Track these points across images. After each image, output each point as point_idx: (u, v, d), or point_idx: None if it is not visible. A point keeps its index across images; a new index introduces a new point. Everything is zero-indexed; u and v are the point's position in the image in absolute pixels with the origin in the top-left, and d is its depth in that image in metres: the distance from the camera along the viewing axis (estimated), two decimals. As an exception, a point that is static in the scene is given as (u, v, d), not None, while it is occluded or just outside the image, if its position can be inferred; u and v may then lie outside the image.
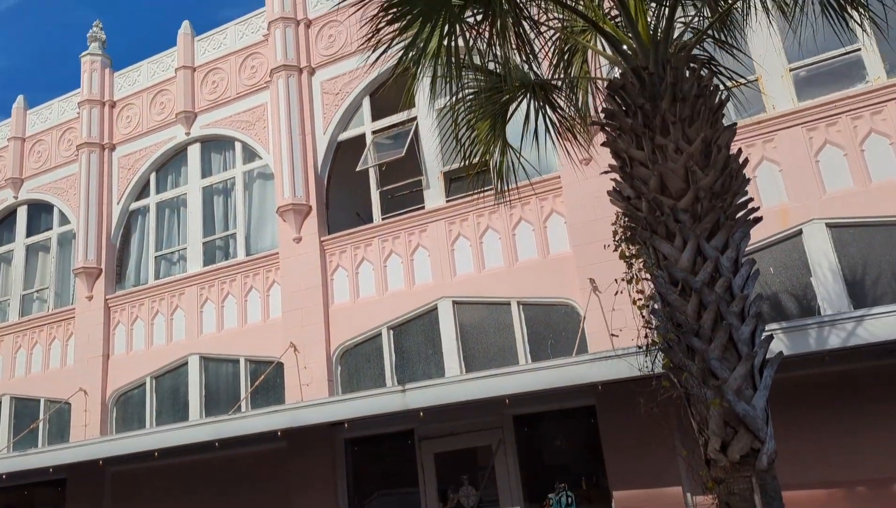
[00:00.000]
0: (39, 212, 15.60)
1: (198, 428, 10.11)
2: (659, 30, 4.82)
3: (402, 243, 11.19)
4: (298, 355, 11.42)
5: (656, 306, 4.59)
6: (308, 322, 11.52)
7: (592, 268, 9.35)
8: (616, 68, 5.34)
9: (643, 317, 4.87)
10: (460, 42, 5.30)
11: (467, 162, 6.75)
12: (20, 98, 16.21)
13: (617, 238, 5.06)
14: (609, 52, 5.26)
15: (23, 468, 11.64)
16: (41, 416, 13.92)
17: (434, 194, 11.24)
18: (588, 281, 9.34)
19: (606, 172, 5.17)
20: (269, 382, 11.59)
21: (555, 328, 9.85)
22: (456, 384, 8.61)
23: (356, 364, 11.27)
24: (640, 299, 4.92)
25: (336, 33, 12.55)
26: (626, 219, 4.82)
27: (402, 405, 8.68)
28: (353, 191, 12.75)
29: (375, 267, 11.38)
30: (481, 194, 10.48)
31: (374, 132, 12.01)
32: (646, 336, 4.85)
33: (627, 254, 4.94)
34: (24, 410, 14.28)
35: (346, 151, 12.53)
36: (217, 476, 11.70)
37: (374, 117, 12.10)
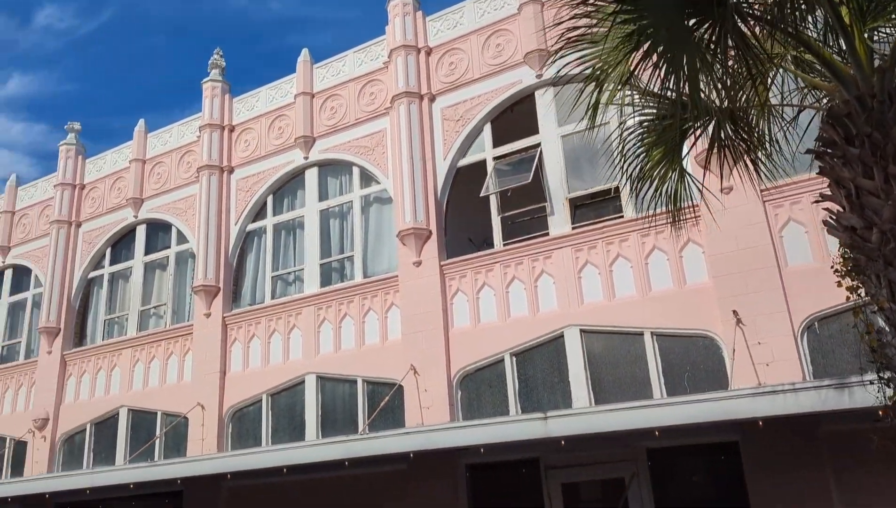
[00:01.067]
0: (157, 231, 16.23)
1: (327, 447, 10.22)
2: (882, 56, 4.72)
3: (526, 269, 11.18)
4: (418, 378, 11.48)
5: (885, 340, 4.44)
6: (428, 346, 11.59)
7: (735, 300, 9.14)
8: (819, 96, 5.25)
9: (872, 350, 4.70)
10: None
11: (637, 186, 6.63)
12: (141, 122, 16.99)
13: (838, 268, 4.92)
14: (818, 79, 5.17)
15: (143, 479, 11.99)
16: (158, 428, 14.35)
17: (559, 221, 11.21)
18: (731, 313, 9.12)
19: (818, 202, 5.05)
20: (388, 404, 11.67)
21: (692, 360, 9.64)
22: (601, 413, 8.48)
23: (477, 390, 11.26)
24: (861, 327, 4.76)
25: (457, 60, 12.74)
26: (848, 250, 4.69)
27: (543, 432, 8.59)
28: (466, 216, 12.85)
29: (497, 293, 11.39)
30: (610, 221, 10.47)
31: (495, 158, 12.10)
32: (878, 371, 4.67)
33: (850, 285, 4.80)
34: (141, 422, 14.74)
35: (462, 177, 12.65)
36: (333, 496, 11.79)
37: (496, 143, 12.19)
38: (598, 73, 6.19)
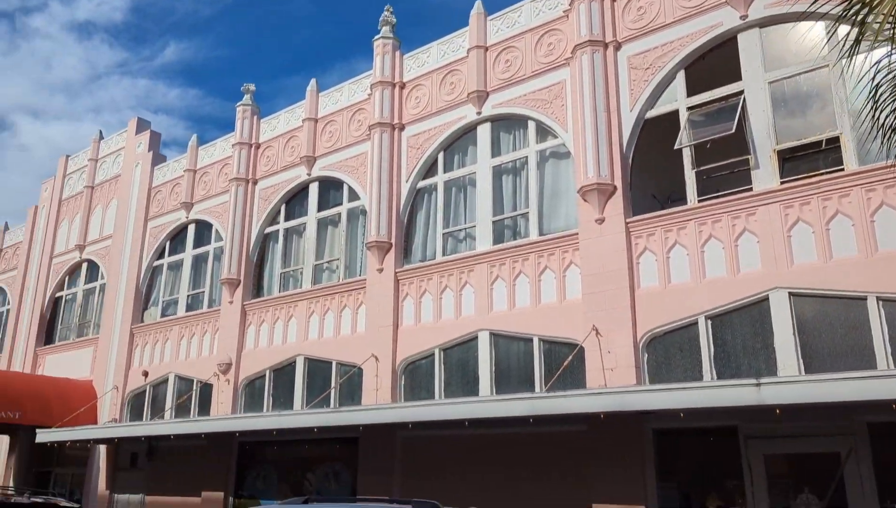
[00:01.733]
0: (329, 188, 16.70)
1: (513, 403, 10.11)
2: None
3: (724, 227, 10.43)
4: (601, 339, 11.10)
5: None
6: (611, 306, 11.15)
7: None
8: None
9: None
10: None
11: (892, 136, 5.85)
12: (313, 82, 17.43)
13: None
14: None
15: (328, 424, 12.54)
16: (333, 377, 14.90)
17: (764, 175, 10.34)
18: (984, 277, 8.04)
19: None
20: (567, 364, 11.38)
21: (928, 329, 8.63)
22: (824, 383, 7.76)
23: (666, 353, 10.73)
24: None
25: (646, 5, 11.98)
26: None
27: (755, 399, 8.01)
28: (649, 172, 12.19)
29: (690, 252, 10.72)
30: (828, 175, 9.50)
31: (689, 108, 11.31)
32: None
33: None
34: (317, 370, 15.37)
35: (648, 130, 11.98)
36: (509, 452, 11.75)
37: (690, 92, 11.40)
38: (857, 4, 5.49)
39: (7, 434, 22.16)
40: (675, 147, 11.10)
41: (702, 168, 11.07)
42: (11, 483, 21.46)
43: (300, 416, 12.93)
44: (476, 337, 12.84)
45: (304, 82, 17.36)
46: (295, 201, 17.38)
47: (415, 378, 13.67)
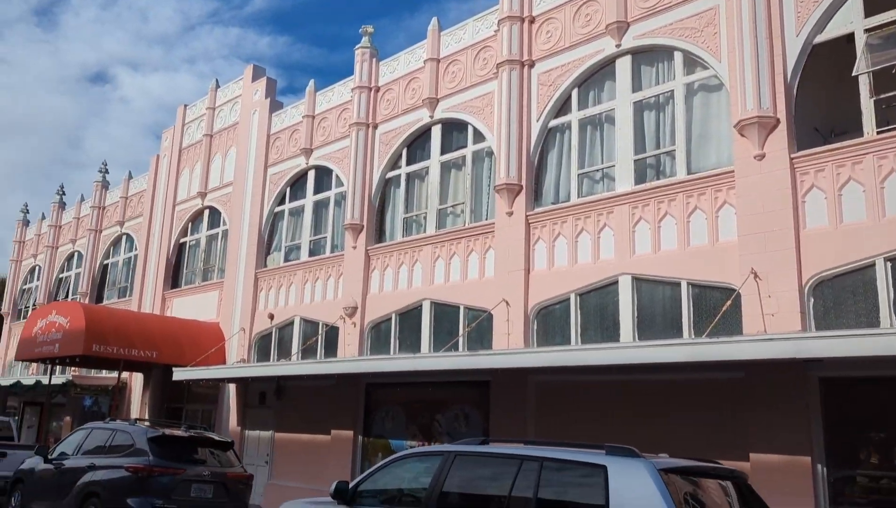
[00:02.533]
0: (452, 130, 16.38)
1: (670, 349, 9.67)
2: None
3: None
4: (759, 283, 10.44)
5: None
6: (773, 248, 10.43)
7: None
8: None
9: None
10: None
11: None
12: (434, 20, 16.99)
13: None
14: None
15: (457, 367, 12.47)
16: (461, 321, 14.83)
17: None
18: None
19: None
20: (719, 310, 10.79)
21: None
22: None
23: (836, 298, 9.98)
24: None
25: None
26: None
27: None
28: (811, 103, 11.21)
29: (867, 189, 9.82)
30: None
31: (867, 30, 10.24)
32: None
33: None
34: (443, 314, 15.34)
35: (815, 57, 10.97)
36: (652, 400, 11.38)
37: (868, 13, 10.31)
38: None
39: (141, 372, 23.52)
40: (854, 73, 10.10)
41: (881, 96, 10.04)
42: (146, 416, 22.81)
43: (437, 359, 12.92)
44: (616, 282, 12.38)
45: (394, 26, 16.97)
46: (416, 144, 17.17)
47: (548, 323, 13.39)
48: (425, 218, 16.43)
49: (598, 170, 13.40)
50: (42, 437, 26.57)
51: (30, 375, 29.39)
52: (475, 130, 15.65)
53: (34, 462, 13.13)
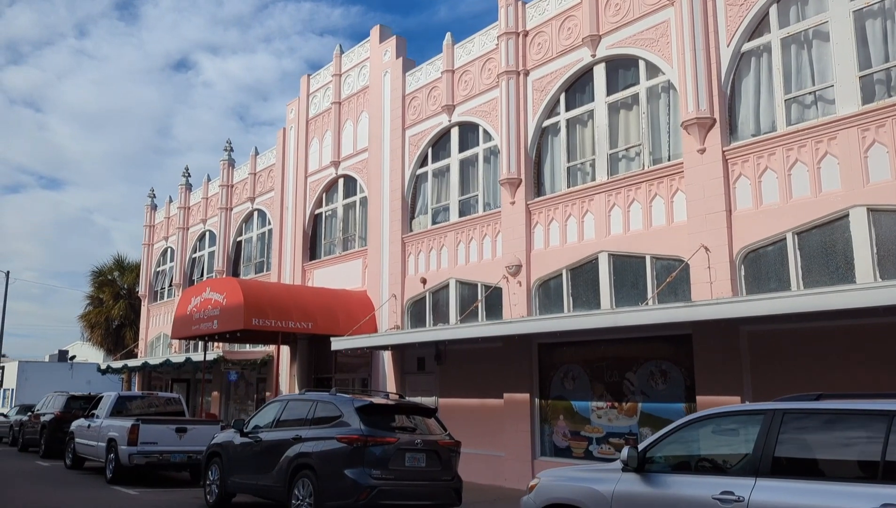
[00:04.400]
0: (618, 68, 15.18)
1: None
2: None
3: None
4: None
5: None
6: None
7: None
8: None
9: None
10: None
11: None
12: (588, -48, 15.69)
13: None
14: None
15: (644, 322, 11.64)
16: (648, 272, 13.78)
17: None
18: None
19: None
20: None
21: None
22: None
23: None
24: None
25: None
26: None
27: None
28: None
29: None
30: None
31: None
32: None
33: None
34: (624, 267, 14.33)
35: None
36: (891, 344, 10.08)
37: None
38: None
39: (288, 345, 23.67)
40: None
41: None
42: (297, 388, 22.97)
43: (644, 313, 11.89)
44: (847, 215, 11.01)
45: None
46: (575, 88, 16.05)
47: (760, 268, 12.16)
48: (593, 165, 15.36)
49: (809, 93, 11.94)
50: (195, 412, 27.38)
51: (175, 353, 30.38)
52: (648, 65, 14.38)
53: (228, 436, 13.06)
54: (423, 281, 19.09)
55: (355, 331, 19.38)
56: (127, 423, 16.07)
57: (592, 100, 15.48)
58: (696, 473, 5.87)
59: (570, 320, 13.21)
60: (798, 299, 10.01)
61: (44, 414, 23.24)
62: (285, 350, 24.18)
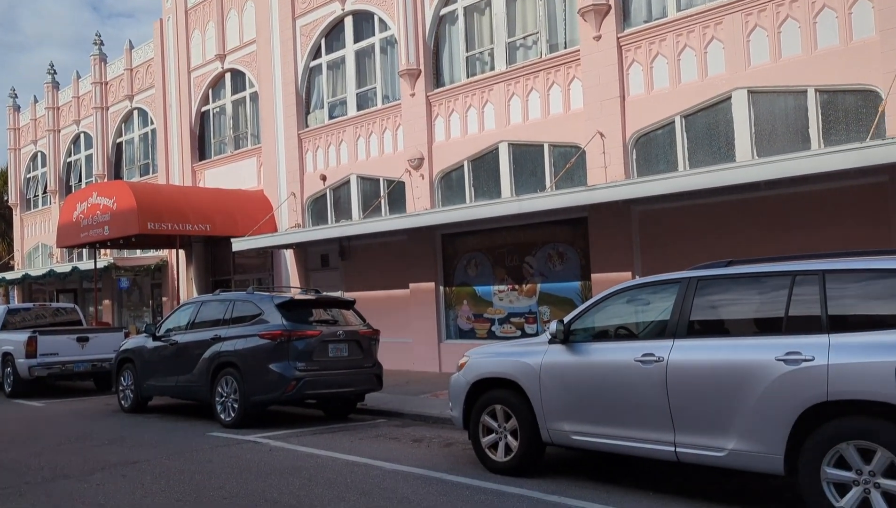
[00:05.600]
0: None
1: (795, 162, 9.26)
2: None
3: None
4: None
5: None
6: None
7: None
8: None
9: None
10: None
11: None
12: None
13: None
14: None
15: (549, 207, 12.38)
16: (546, 160, 14.29)
17: None
18: None
19: None
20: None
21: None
22: None
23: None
24: None
25: None
26: None
27: None
28: None
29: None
30: None
31: None
32: None
33: None
34: (524, 155, 14.77)
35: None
36: (770, 215, 11.18)
37: None
38: None
39: (183, 249, 23.02)
40: None
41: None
42: (195, 292, 22.61)
43: (542, 199, 12.43)
44: (729, 98, 11.78)
45: None
46: (470, -26, 15.80)
47: (650, 151, 12.90)
48: (491, 55, 15.43)
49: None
50: (87, 322, 26.43)
51: (58, 263, 28.87)
52: None
53: (139, 341, 12.87)
54: (323, 178, 18.91)
55: (255, 231, 19.11)
56: (23, 336, 15.44)
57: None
58: (618, 340, 6.32)
59: (476, 209, 13.63)
60: (685, 179, 10.79)
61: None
62: (181, 255, 23.52)
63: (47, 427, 10.90)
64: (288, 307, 10.69)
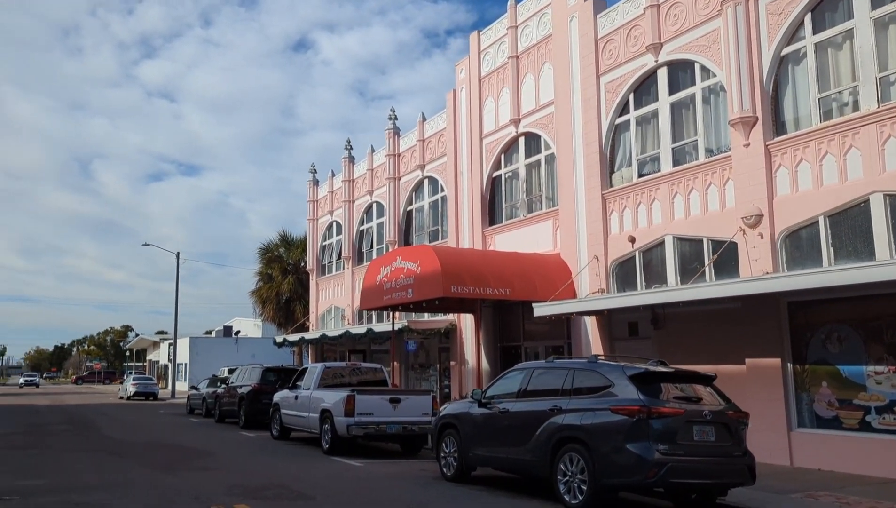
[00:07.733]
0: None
1: None
2: None
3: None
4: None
5: None
6: None
7: None
8: None
9: None
10: None
11: None
12: None
13: None
14: None
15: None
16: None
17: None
18: None
19: None
20: None
21: None
22: None
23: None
24: None
25: None
26: None
27: None
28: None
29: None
30: None
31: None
32: None
33: None
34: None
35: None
36: None
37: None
38: None
39: (471, 313, 22.86)
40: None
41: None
42: (483, 357, 22.15)
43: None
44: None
45: None
46: (823, 6, 13.76)
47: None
48: (857, 91, 13.08)
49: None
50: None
51: (348, 324, 30.57)
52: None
53: (463, 407, 12.30)
54: (632, 240, 17.53)
55: (556, 296, 18.18)
56: (342, 394, 15.77)
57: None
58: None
59: (845, 273, 11.13)
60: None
61: (240, 386, 23.85)
62: (469, 319, 23.44)
63: (382, 494, 10.58)
64: (642, 380, 9.37)
